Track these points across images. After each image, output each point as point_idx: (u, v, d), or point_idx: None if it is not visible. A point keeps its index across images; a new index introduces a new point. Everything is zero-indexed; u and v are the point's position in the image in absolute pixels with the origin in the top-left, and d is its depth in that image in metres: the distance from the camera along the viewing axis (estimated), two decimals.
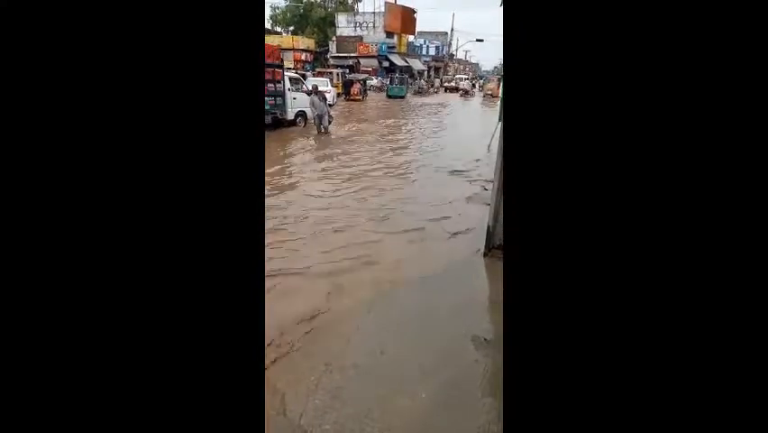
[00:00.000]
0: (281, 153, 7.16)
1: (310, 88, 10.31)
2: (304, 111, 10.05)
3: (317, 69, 22.92)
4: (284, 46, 23.70)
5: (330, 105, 10.74)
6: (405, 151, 7.88)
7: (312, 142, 8.53)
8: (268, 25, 31.13)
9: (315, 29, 31.32)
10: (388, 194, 4.93)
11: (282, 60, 10.63)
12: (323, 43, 30.08)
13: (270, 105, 9.15)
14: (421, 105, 18.04)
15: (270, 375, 1.90)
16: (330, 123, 9.61)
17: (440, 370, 1.99)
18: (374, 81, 26.00)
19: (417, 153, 7.60)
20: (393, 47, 30.35)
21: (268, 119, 9.01)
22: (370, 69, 27.95)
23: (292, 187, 5.17)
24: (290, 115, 9.90)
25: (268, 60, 8.93)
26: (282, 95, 9.59)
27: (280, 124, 9.60)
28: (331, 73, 20.23)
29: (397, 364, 2.04)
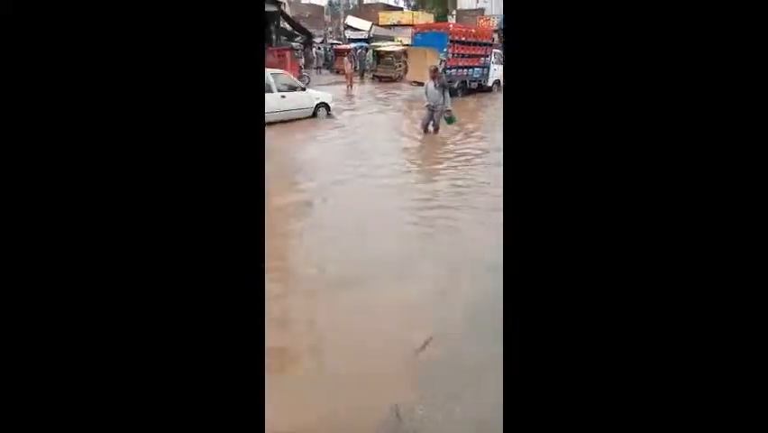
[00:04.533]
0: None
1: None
2: (499, 80, 12.83)
3: (405, 48, 21.87)
4: (403, 22, 24.18)
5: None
6: None
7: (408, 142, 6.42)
8: (391, 1, 31.77)
9: (437, 2, 30.89)
10: None
11: (493, 39, 13.05)
12: (442, 18, 29.63)
13: (478, 75, 12.21)
14: None
15: None
16: (447, 119, 6.66)
17: None
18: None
19: None
20: None
21: (474, 85, 12.18)
22: None
23: None
24: (489, 83, 12.76)
25: (482, 39, 12.07)
26: (487, 67, 12.46)
27: (481, 89, 12.49)
28: None
29: None
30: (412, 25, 24.26)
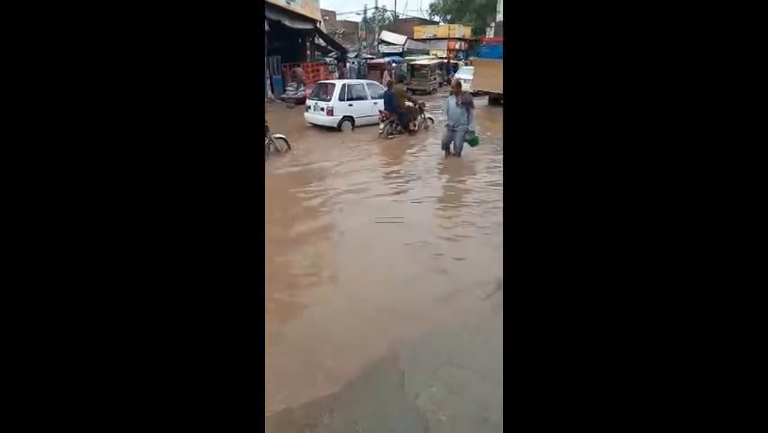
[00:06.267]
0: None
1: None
2: None
3: (470, 59, 20.93)
4: (439, 35, 23.88)
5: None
6: None
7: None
8: (426, 15, 31.73)
9: (474, 15, 30.46)
10: None
11: None
12: (480, 30, 29.11)
13: None
14: None
15: None
16: (470, 141, 5.95)
17: None
18: None
19: None
20: None
21: None
22: None
23: None
24: None
25: None
26: None
27: None
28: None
29: None
30: (447, 38, 23.93)
